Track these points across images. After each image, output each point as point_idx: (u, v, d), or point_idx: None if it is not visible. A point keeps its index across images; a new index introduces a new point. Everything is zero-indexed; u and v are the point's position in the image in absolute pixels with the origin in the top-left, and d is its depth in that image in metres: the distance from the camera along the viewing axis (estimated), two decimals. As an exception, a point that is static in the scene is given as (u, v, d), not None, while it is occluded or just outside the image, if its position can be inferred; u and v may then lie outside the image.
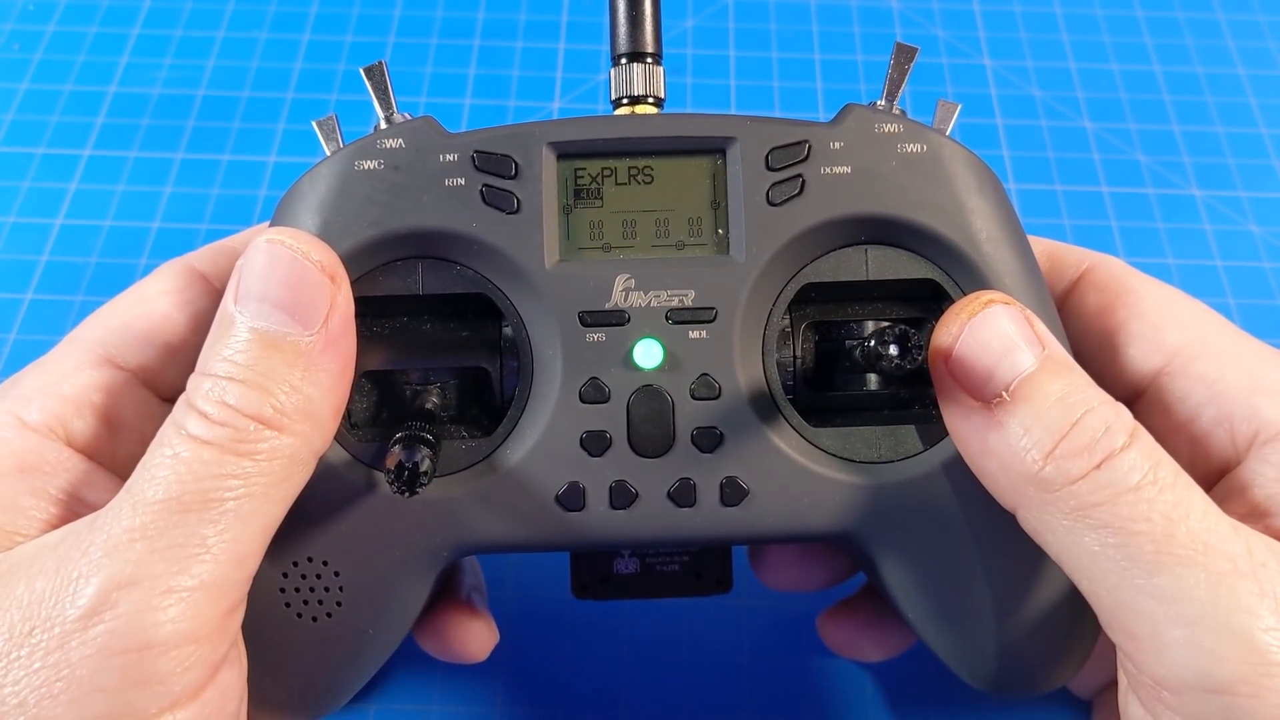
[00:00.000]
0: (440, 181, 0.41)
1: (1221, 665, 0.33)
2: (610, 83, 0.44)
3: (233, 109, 0.75)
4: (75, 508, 0.39)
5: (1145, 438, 0.37)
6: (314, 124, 0.43)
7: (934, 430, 0.42)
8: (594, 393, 0.41)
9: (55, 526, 0.37)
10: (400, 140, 0.41)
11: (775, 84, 0.78)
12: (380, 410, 0.43)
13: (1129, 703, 0.38)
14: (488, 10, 0.81)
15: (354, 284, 0.40)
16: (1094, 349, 0.45)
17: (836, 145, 0.41)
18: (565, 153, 0.42)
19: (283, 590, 0.41)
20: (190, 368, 0.37)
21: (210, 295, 0.43)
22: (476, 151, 0.41)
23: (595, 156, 0.42)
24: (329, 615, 0.41)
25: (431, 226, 0.41)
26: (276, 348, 0.36)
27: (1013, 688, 0.43)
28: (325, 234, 0.40)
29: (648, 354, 0.41)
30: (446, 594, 0.47)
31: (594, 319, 0.41)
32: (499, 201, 0.41)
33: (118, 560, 0.33)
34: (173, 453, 0.35)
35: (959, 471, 0.40)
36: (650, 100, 0.44)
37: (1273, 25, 0.83)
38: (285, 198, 0.42)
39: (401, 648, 0.44)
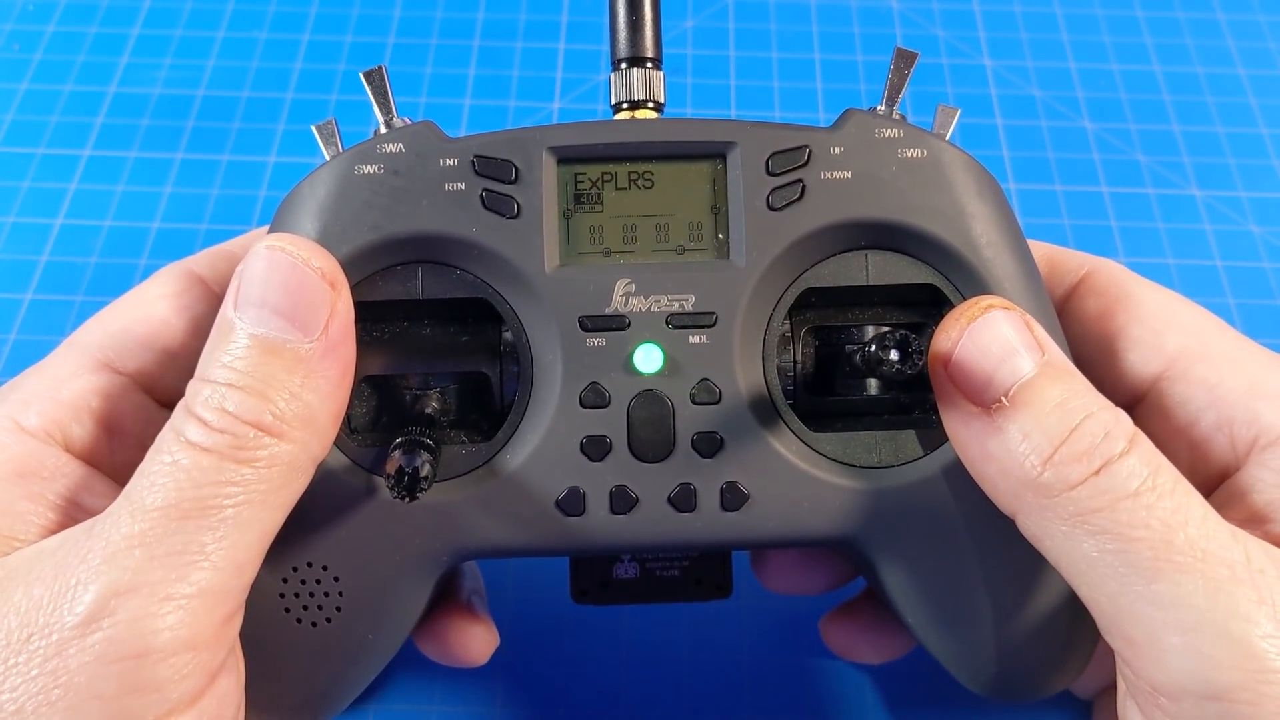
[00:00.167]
0: (440, 186, 0.41)
1: (1219, 672, 0.34)
2: (610, 87, 0.44)
3: (233, 109, 0.75)
4: (73, 513, 0.39)
5: (1144, 443, 0.37)
6: (313, 128, 0.43)
7: (934, 435, 0.42)
8: (594, 397, 0.41)
9: (53, 531, 0.37)
10: (400, 145, 0.41)
11: (775, 84, 0.78)
12: (380, 415, 0.43)
13: (1128, 708, 0.38)
14: (488, 10, 0.81)
15: (354, 288, 0.40)
16: (1094, 354, 0.45)
17: (837, 150, 0.41)
18: (565, 157, 0.42)
19: (282, 595, 0.41)
20: (189, 373, 0.37)
21: (209, 300, 0.43)
22: (477, 156, 0.41)
23: (595, 161, 0.42)
24: (329, 620, 0.41)
25: (431, 231, 0.41)
26: (276, 354, 0.36)
27: (1012, 693, 0.43)
28: (325, 238, 0.40)
29: (648, 359, 0.41)
30: (447, 598, 0.47)
31: (594, 324, 0.41)
32: (499, 206, 0.41)
33: (116, 567, 0.33)
34: (172, 459, 0.35)
35: (959, 476, 0.40)
36: (650, 105, 0.44)
37: (1273, 25, 0.82)
38: (285, 202, 0.42)
39: (400, 649, 0.44)
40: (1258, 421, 0.41)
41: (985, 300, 0.39)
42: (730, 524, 0.41)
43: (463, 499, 0.41)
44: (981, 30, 0.81)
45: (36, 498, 0.38)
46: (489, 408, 0.43)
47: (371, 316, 0.42)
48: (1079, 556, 0.36)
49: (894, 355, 0.38)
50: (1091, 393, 0.37)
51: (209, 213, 0.70)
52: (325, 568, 0.41)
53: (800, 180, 0.41)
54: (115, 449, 0.41)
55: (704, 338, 0.41)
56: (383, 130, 0.42)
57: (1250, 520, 0.40)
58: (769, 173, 0.41)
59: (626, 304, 0.41)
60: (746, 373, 0.41)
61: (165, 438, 0.36)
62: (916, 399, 0.43)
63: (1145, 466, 0.36)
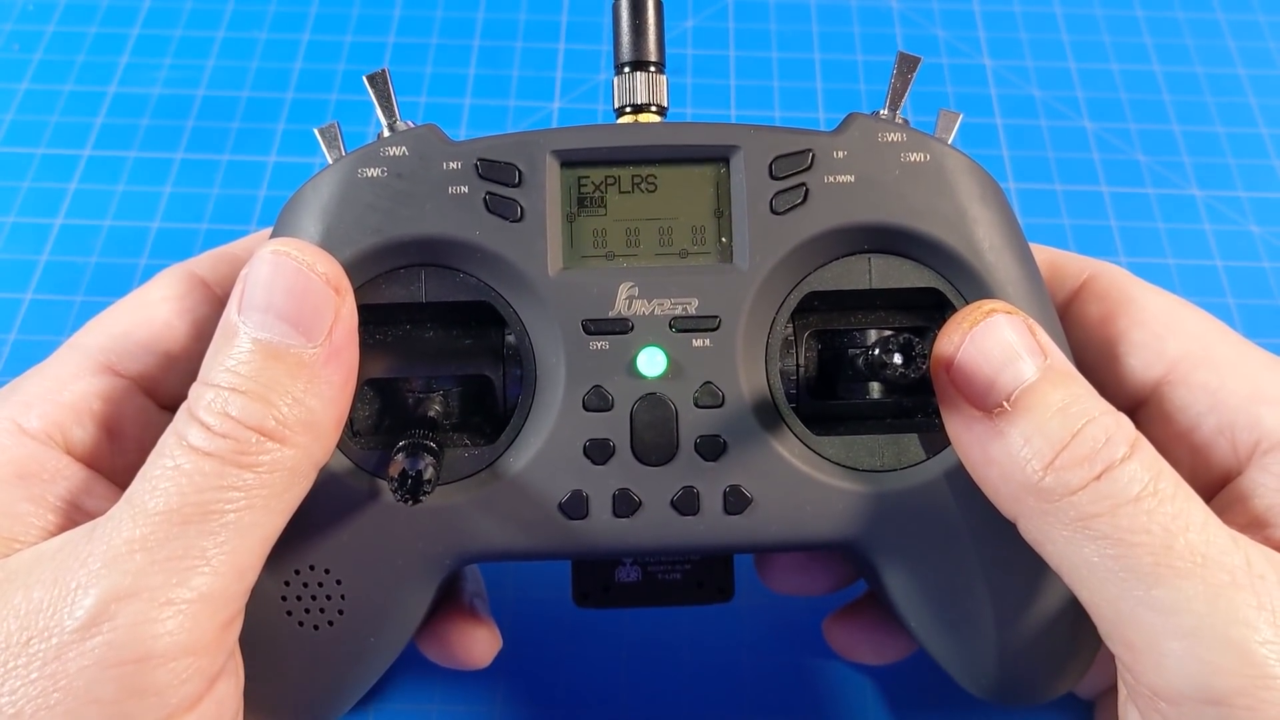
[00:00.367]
0: (444, 189, 0.41)
1: (1219, 677, 0.34)
2: (614, 91, 0.44)
3: (232, 109, 0.75)
4: (74, 515, 0.39)
5: (1146, 448, 0.37)
6: (316, 131, 0.42)
7: (936, 439, 0.42)
8: (597, 401, 0.41)
9: (53, 534, 0.37)
10: (403, 148, 0.41)
11: (775, 84, 0.78)
12: (383, 418, 0.43)
13: (1128, 712, 0.38)
14: (488, 10, 0.81)
15: (357, 291, 0.40)
16: (1096, 358, 0.45)
17: (840, 154, 0.41)
18: (569, 161, 0.42)
19: (284, 598, 0.41)
20: (191, 376, 0.37)
21: (211, 303, 0.43)
22: (480, 159, 0.41)
23: (599, 164, 0.42)
24: (330, 624, 0.41)
25: (435, 234, 0.41)
26: (279, 359, 0.36)
27: (1013, 697, 0.44)
28: (328, 241, 0.40)
29: (651, 362, 0.41)
30: (449, 601, 0.47)
31: (597, 327, 0.41)
32: (502, 209, 0.41)
33: (117, 571, 0.33)
34: (173, 463, 0.35)
35: (961, 480, 0.40)
36: (654, 108, 0.44)
37: (1273, 25, 0.82)
38: (288, 205, 0.41)
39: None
40: (1259, 426, 0.41)
41: (988, 304, 0.39)
42: (733, 527, 0.41)
43: (466, 502, 0.41)
44: (981, 30, 0.81)
45: (37, 500, 0.38)
46: (492, 411, 0.43)
47: (375, 320, 0.42)
48: (1080, 561, 0.36)
49: (897, 359, 0.38)
50: (1094, 397, 0.37)
51: (209, 213, 0.70)
52: (327, 571, 0.41)
53: (803, 184, 0.41)
54: (116, 452, 0.41)
55: (707, 341, 0.41)
56: (386, 133, 0.42)
57: (1251, 525, 0.40)
58: (772, 176, 0.41)
59: (630, 307, 0.41)
60: (749, 376, 0.41)
61: (167, 441, 0.36)
62: (919, 403, 0.43)
63: (1146, 471, 0.36)
